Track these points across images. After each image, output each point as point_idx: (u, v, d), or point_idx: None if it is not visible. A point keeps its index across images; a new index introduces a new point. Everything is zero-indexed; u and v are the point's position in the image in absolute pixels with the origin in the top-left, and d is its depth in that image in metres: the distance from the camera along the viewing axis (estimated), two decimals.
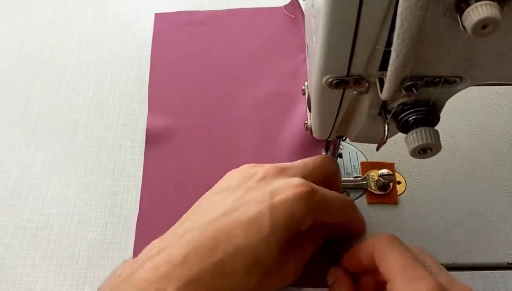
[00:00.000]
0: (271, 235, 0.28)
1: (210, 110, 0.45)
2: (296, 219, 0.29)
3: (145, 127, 0.44)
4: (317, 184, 0.31)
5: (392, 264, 0.28)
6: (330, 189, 0.33)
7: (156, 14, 0.53)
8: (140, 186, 0.40)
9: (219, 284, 0.27)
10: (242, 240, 0.28)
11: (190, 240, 0.28)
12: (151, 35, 0.51)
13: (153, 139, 0.43)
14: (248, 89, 0.47)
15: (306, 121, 0.36)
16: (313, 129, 0.33)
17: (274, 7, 0.54)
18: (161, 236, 0.30)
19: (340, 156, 0.41)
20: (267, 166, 0.32)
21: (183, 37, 0.51)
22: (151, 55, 0.50)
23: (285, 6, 0.53)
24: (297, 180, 0.30)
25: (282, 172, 0.31)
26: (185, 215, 0.32)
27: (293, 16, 0.53)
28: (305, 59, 0.49)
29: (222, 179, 0.34)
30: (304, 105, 0.44)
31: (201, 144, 0.43)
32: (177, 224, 0.31)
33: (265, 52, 0.50)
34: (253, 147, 0.42)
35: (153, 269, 0.27)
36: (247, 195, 0.30)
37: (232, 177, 0.33)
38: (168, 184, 0.40)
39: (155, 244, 0.29)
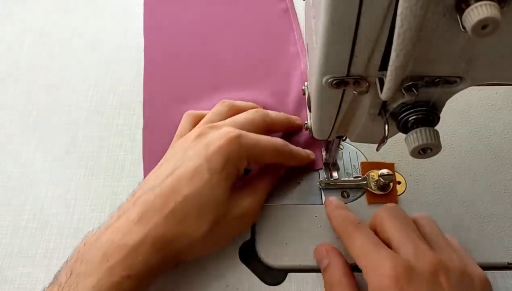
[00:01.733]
0: (212, 179, 0.32)
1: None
2: (231, 161, 0.33)
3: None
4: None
5: (355, 247, 0.30)
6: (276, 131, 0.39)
7: None
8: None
9: (174, 230, 0.31)
10: (188, 190, 0.31)
11: (142, 202, 0.32)
12: None
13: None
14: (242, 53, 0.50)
15: (306, 121, 0.36)
16: (313, 129, 0.33)
17: None
18: (118, 208, 0.33)
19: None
20: (199, 126, 0.36)
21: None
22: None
23: None
24: (226, 129, 0.34)
25: (214, 127, 0.35)
26: (141, 183, 0.35)
27: None
28: (289, 14, 0.52)
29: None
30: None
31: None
32: (130, 196, 0.34)
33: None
34: None
35: (115, 231, 0.31)
36: (186, 154, 0.33)
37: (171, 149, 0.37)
38: None
39: (114, 214, 0.33)
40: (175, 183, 0.32)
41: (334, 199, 0.37)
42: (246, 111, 0.38)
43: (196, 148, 0.33)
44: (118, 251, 0.29)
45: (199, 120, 0.39)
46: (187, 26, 0.52)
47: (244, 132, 0.34)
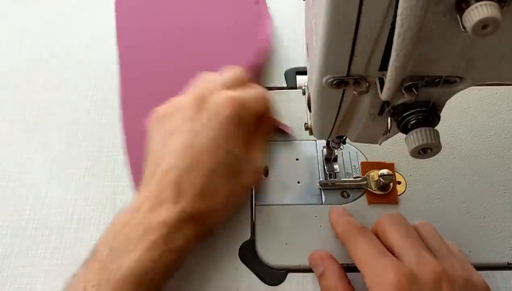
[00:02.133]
0: (229, 145, 0.34)
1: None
2: (243, 123, 0.35)
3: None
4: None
5: (358, 252, 0.30)
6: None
7: None
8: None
9: (206, 206, 0.33)
10: (210, 164, 0.33)
11: (171, 181, 0.33)
12: None
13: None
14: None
15: (306, 122, 0.36)
16: (313, 130, 0.33)
17: None
18: (142, 183, 0.35)
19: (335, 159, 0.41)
20: (193, 95, 0.36)
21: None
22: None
23: None
24: (223, 93, 0.35)
25: (210, 92, 0.36)
26: (150, 158, 0.35)
27: None
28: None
29: (162, 115, 0.37)
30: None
31: None
32: (148, 170, 0.35)
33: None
34: None
35: (150, 208, 0.32)
36: (195, 127, 0.34)
37: (172, 115, 0.36)
38: None
39: (140, 194, 0.34)
40: (194, 160, 0.33)
41: (337, 206, 0.37)
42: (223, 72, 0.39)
43: (203, 119, 0.34)
44: (159, 228, 0.31)
45: None
46: (157, 19, 0.52)
47: (241, 95, 0.36)
